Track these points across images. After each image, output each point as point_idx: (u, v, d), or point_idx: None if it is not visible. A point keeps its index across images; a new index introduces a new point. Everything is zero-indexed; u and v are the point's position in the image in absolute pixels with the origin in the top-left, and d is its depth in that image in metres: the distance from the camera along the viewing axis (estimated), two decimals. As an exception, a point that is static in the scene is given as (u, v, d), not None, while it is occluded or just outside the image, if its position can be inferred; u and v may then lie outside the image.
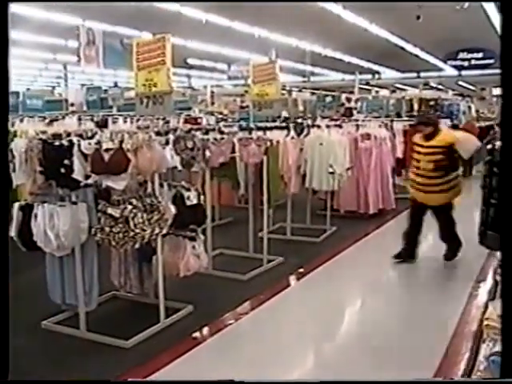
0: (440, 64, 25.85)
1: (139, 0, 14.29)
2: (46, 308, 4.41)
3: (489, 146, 3.28)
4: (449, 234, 5.93)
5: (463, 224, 5.93)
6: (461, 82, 28.54)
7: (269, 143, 6.00)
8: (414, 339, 4.07)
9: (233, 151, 5.75)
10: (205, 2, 15.46)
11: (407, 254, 5.95)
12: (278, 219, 7.21)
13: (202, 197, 4.64)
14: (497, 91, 23.58)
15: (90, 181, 3.92)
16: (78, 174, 3.87)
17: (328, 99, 21.70)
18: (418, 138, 5.82)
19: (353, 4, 15.94)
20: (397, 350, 3.90)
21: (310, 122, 8.76)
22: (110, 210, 3.90)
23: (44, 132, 4.52)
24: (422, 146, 5.69)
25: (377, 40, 20.47)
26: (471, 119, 16.01)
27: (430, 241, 6.52)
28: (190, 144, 4.74)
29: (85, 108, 15.12)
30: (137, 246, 3.99)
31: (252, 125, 7.07)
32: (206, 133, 5.47)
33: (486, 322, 2.36)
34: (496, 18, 15.84)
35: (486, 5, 15.38)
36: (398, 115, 14.44)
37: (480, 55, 22.29)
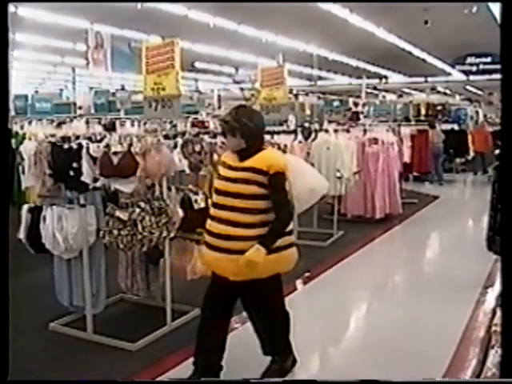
0: (448, 68, 25.78)
1: (147, 0, 14.34)
2: (53, 310, 4.44)
3: (497, 151, 3.27)
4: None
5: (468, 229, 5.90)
6: (468, 87, 28.46)
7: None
8: (421, 345, 4.04)
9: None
10: (211, 6, 15.52)
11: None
12: (285, 223, 7.19)
13: (209, 200, 4.63)
14: (505, 96, 23.42)
15: (98, 184, 3.94)
16: (86, 177, 3.89)
17: (335, 103, 21.77)
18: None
19: (360, 8, 15.96)
20: (403, 356, 3.89)
21: (317, 126, 8.77)
22: (118, 213, 3.91)
23: (53, 135, 4.54)
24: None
25: (384, 44, 20.48)
26: (483, 123, 15.51)
27: (436, 245, 6.49)
28: (197, 148, 4.75)
29: (92, 111, 15.19)
30: (144, 248, 4.01)
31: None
32: (214, 136, 5.48)
33: (494, 328, 2.34)
34: (504, 22, 15.76)
35: (494, 9, 15.33)
36: (407, 120, 14.40)
37: (488, 60, 22.17)
